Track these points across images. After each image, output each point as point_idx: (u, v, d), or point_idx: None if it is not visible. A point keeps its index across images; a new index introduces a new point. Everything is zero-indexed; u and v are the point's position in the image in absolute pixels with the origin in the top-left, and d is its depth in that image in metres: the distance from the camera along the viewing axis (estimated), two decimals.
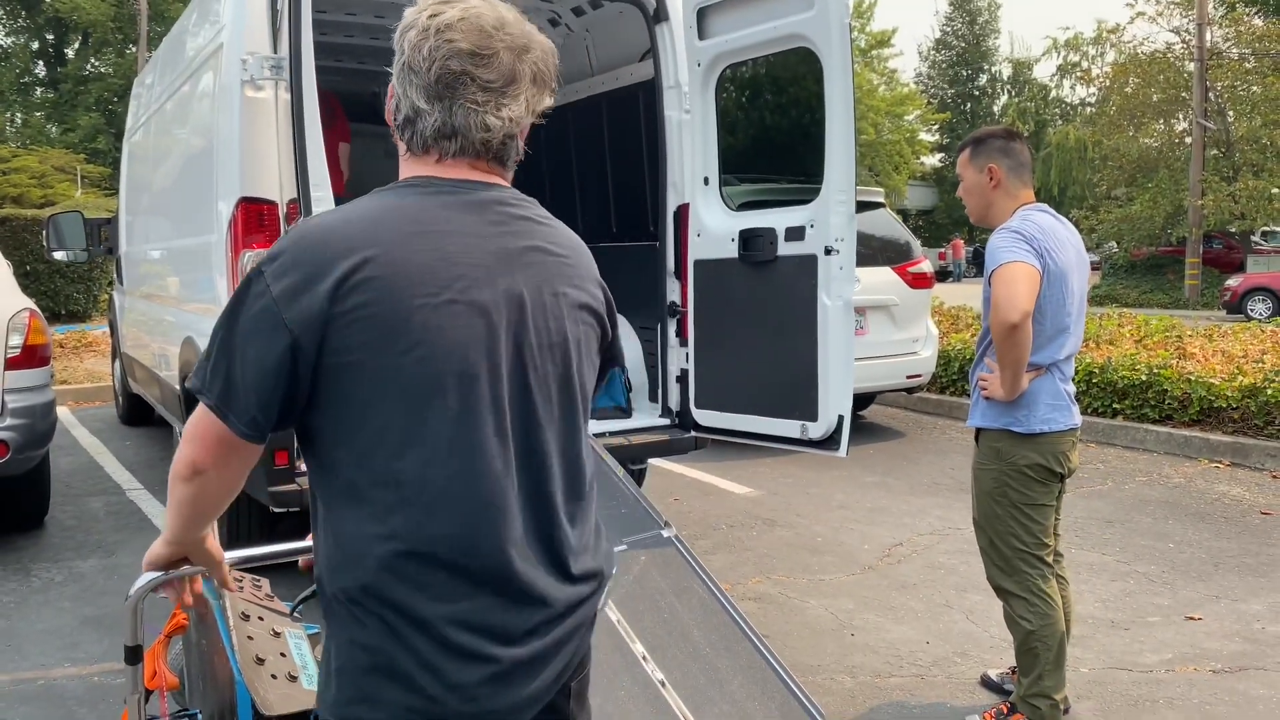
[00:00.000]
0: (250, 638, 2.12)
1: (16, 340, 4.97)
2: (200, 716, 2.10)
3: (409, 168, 1.50)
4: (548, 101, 1.52)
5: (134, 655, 1.76)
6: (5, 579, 4.88)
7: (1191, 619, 4.33)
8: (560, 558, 1.48)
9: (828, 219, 4.15)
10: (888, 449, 7.89)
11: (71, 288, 16.64)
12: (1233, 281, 21.95)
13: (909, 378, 8.08)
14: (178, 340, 5.21)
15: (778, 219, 4.39)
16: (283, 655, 2.05)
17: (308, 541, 1.70)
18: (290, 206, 4.01)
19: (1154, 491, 6.47)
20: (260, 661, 2.01)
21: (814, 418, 4.29)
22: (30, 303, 5.20)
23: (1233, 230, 26.98)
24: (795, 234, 4.29)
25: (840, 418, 4.24)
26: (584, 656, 1.55)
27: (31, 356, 5.04)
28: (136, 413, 8.45)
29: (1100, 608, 4.45)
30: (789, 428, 4.43)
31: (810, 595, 4.66)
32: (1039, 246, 3.15)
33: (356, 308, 1.33)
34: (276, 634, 2.09)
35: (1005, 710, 3.36)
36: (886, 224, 8.50)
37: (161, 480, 6.72)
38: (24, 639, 4.17)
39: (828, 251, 4.14)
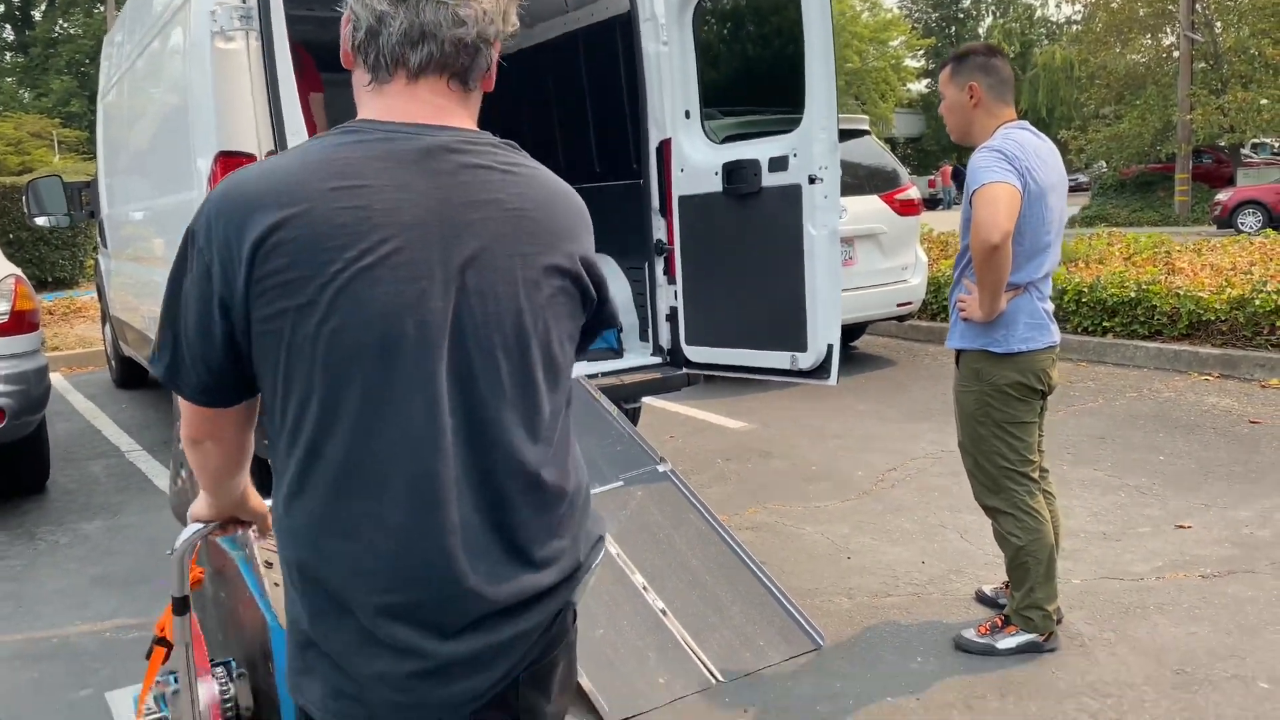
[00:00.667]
0: (276, 584, 2.14)
1: (4, 307, 4.96)
2: (233, 664, 2.13)
3: (364, 104, 1.38)
4: (514, 19, 1.40)
5: (182, 606, 1.76)
6: (12, 543, 4.94)
7: (1181, 528, 4.41)
8: (518, 544, 1.36)
9: (810, 148, 4.14)
10: (880, 377, 7.94)
11: (57, 255, 16.53)
12: (1223, 196, 21.89)
13: (899, 305, 8.10)
14: None
15: (760, 150, 4.37)
16: None
17: None
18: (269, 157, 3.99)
19: (1144, 406, 6.54)
20: None
21: (803, 348, 4.32)
22: (15, 269, 5.18)
23: (1222, 144, 26.88)
24: (779, 164, 4.28)
25: (829, 347, 4.26)
26: (548, 645, 1.44)
27: (20, 322, 5.04)
28: (130, 376, 8.46)
29: (1091, 521, 4.53)
30: (779, 359, 4.46)
31: (806, 522, 4.73)
32: (1020, 165, 3.14)
33: (273, 273, 1.24)
34: None
35: (1000, 623, 3.43)
36: (872, 152, 8.45)
37: (159, 441, 6.76)
38: (35, 600, 4.24)
39: (811, 180, 4.13)
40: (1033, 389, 3.31)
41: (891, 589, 3.96)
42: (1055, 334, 3.36)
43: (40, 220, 8.05)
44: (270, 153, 3.87)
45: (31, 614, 4.10)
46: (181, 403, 1.40)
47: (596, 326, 1.56)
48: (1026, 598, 3.35)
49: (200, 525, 1.64)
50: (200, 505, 1.62)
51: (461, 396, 1.32)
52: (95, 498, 5.63)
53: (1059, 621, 3.46)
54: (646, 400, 6.01)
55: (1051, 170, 3.27)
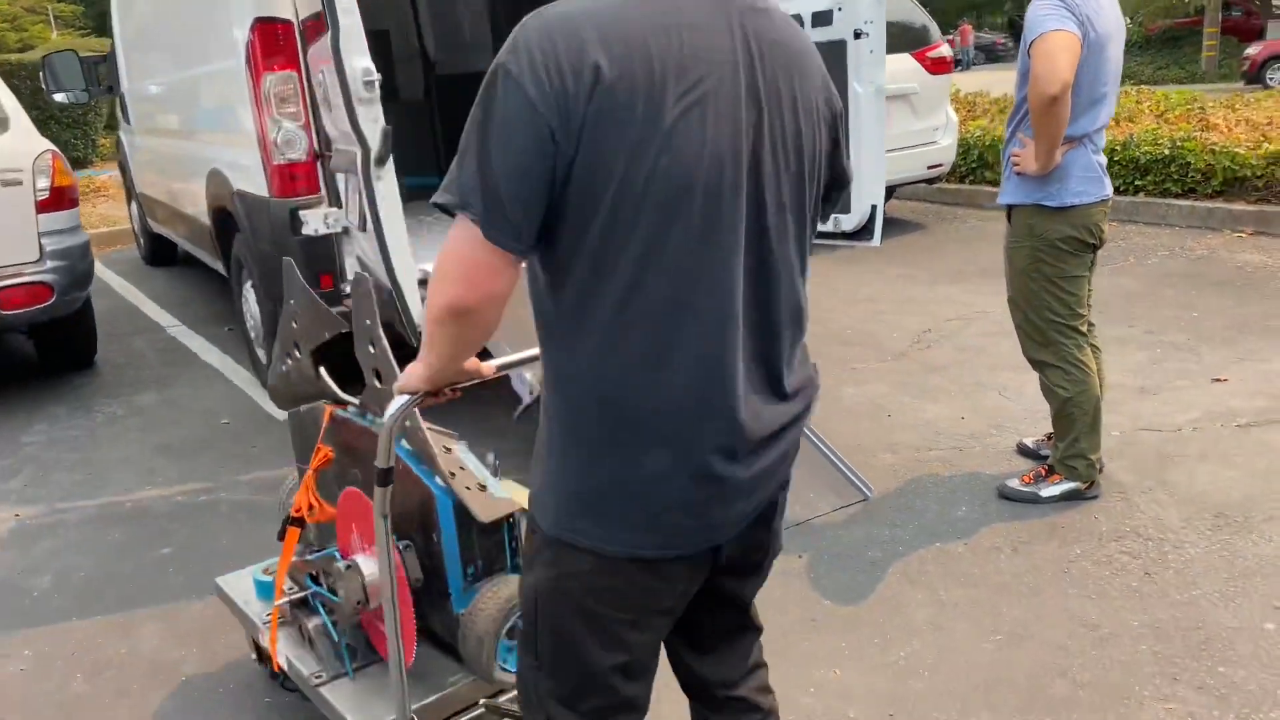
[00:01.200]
0: (448, 449, 2.13)
1: (44, 183, 4.97)
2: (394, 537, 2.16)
3: None
4: None
5: (385, 478, 1.73)
6: (71, 415, 5.08)
7: (1218, 381, 4.48)
8: (777, 377, 1.45)
9: (855, 0, 4.05)
10: (910, 242, 7.93)
11: (69, 134, 16.32)
12: (1252, 50, 21.19)
13: (930, 168, 8.01)
14: (202, 174, 5.20)
15: (803, 4, 4.26)
16: (462, 469, 2.08)
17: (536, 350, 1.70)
18: (307, 24, 3.92)
19: (1177, 264, 6.54)
20: (452, 476, 2.04)
21: (847, 209, 4.32)
22: (51, 145, 5.17)
23: None
24: (822, 19, 4.19)
25: (873, 207, 4.27)
26: (789, 472, 1.56)
27: (61, 198, 5.06)
28: (160, 253, 8.50)
29: (1129, 376, 4.60)
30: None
31: (845, 384, 4.82)
32: (1080, 14, 3.08)
33: (611, 108, 1.23)
34: (449, 450, 2.10)
35: (1044, 472, 3.54)
36: (903, 6, 8.21)
37: (198, 317, 6.85)
38: (103, 468, 4.39)
39: (857, 35, 4.06)
40: (1084, 243, 3.33)
41: (933, 444, 4.07)
42: (1108, 187, 3.36)
43: (59, 96, 7.93)
44: (311, 18, 3.80)
45: (102, 480, 4.26)
46: (455, 263, 1.32)
47: (833, 181, 1.56)
48: (1071, 447, 3.45)
49: (408, 397, 1.58)
50: (414, 379, 1.55)
51: (755, 235, 1.37)
52: (144, 372, 5.75)
53: (1100, 470, 3.56)
54: None
55: (1110, 19, 3.21)
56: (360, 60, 3.12)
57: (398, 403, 1.60)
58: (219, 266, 5.81)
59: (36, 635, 3.10)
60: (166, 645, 3.00)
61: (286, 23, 3.97)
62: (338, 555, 2.20)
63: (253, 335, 5.18)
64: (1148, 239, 7.28)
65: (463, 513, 2.02)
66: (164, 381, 5.53)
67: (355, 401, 2.24)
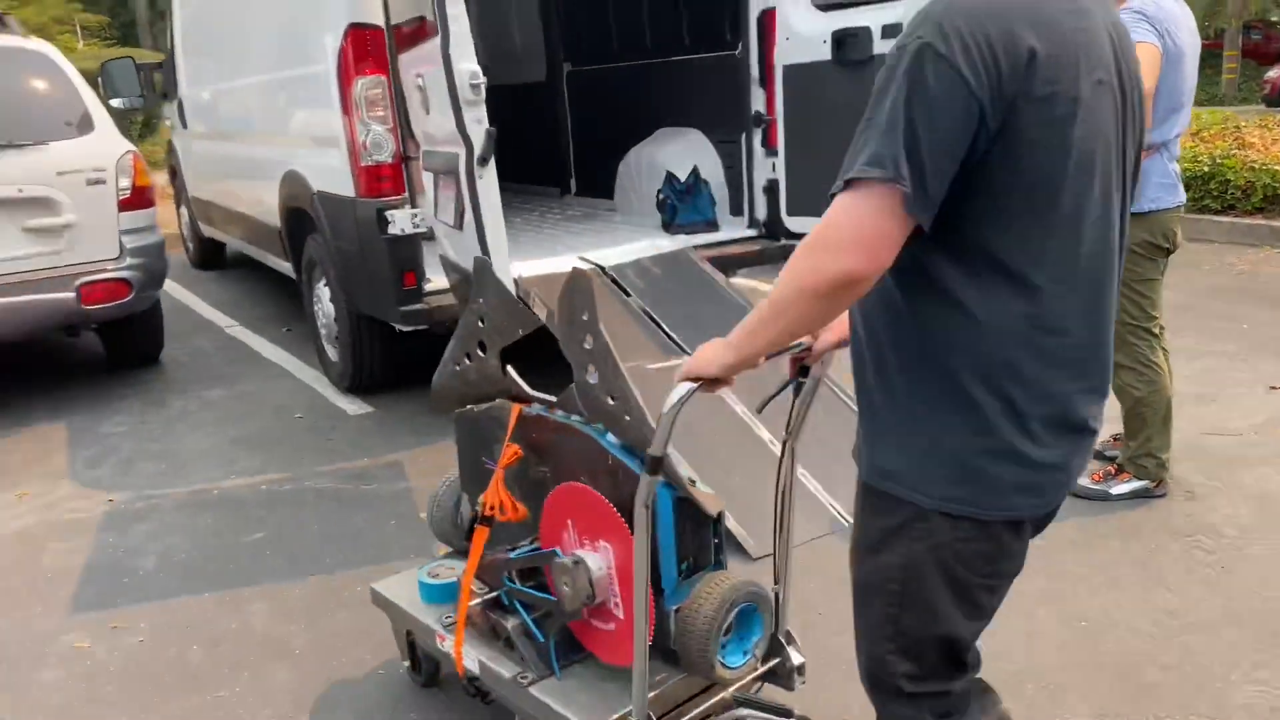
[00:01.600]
0: None
1: (125, 182, 5.11)
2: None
3: None
4: None
5: (656, 466, 1.69)
6: (145, 409, 5.21)
7: (1274, 389, 4.57)
8: None
9: None
10: None
11: None
12: (1273, 73, 21.25)
13: None
14: (275, 176, 5.33)
15: (872, 16, 4.39)
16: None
17: (804, 340, 1.75)
18: (398, 30, 4.06)
19: (1221, 279, 6.63)
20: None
21: None
22: (132, 145, 5.32)
23: (1274, 19, 26.02)
24: (891, 31, 4.30)
25: None
26: None
27: (140, 198, 5.20)
28: (209, 257, 8.65)
29: (1185, 383, 4.67)
30: None
31: None
32: (1161, 27, 3.21)
33: (1042, 84, 1.33)
34: None
35: (1114, 471, 3.64)
36: None
37: (254, 318, 6.98)
38: (184, 458, 4.51)
39: None
40: (1159, 247, 3.44)
41: None
42: (1181, 194, 3.47)
43: (115, 102, 8.08)
44: (409, 23, 3.93)
45: (186, 469, 4.38)
46: (858, 233, 1.34)
47: None
48: (1142, 446, 3.54)
49: (691, 385, 1.56)
50: (717, 363, 1.54)
51: (1120, 206, 1.50)
52: (210, 369, 5.89)
53: (1167, 470, 3.65)
54: (738, 281, 6.14)
55: (1186, 32, 3.33)
56: (468, 64, 3.25)
57: (681, 389, 1.58)
58: (285, 268, 5.94)
59: (149, 610, 3.22)
60: (275, 622, 3.11)
61: (377, 29, 4.11)
62: (558, 552, 2.13)
63: (323, 334, 5.30)
64: (1189, 254, 7.36)
65: (679, 507, 1.99)
66: (231, 378, 5.66)
67: (550, 399, 2.21)
